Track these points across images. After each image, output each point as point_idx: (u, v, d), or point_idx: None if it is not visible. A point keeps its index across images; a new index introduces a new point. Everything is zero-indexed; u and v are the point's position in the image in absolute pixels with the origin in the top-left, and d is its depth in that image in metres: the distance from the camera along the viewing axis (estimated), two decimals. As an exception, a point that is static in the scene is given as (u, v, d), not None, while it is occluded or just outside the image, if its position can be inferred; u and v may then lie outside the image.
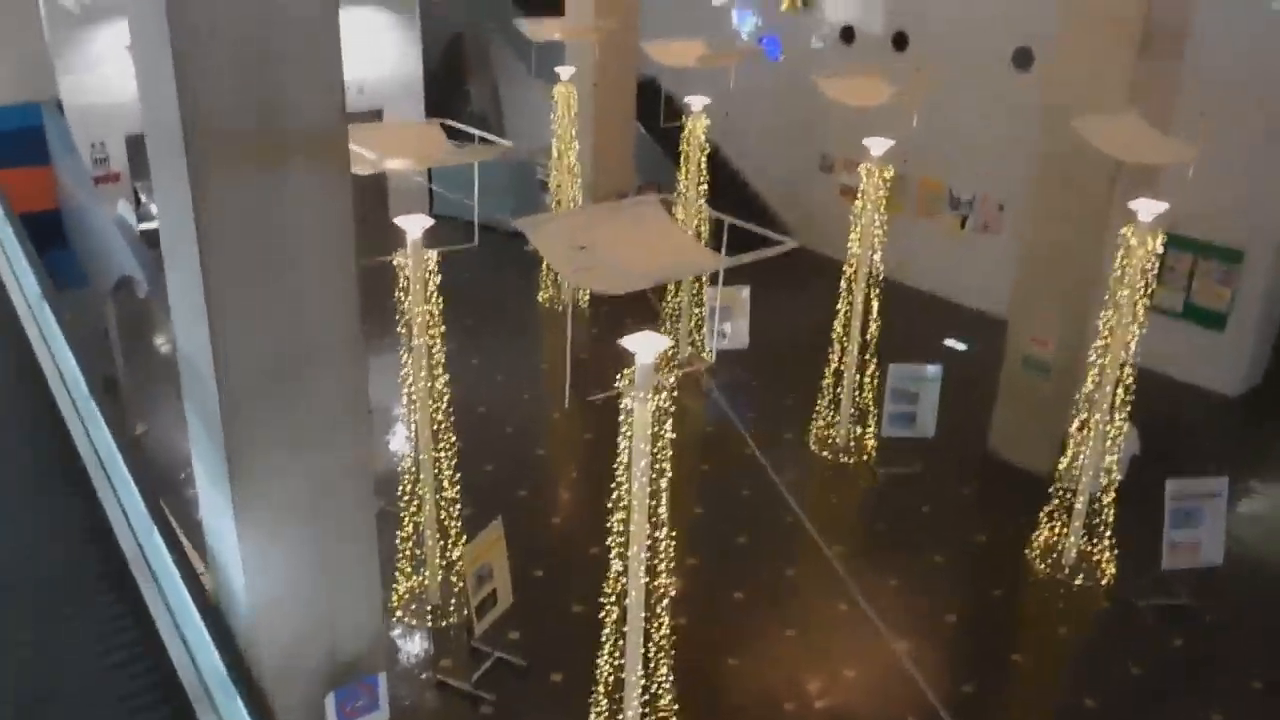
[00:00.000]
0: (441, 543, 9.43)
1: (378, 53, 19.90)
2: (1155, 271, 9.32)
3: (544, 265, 16.66)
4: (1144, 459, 11.75)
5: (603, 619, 7.17)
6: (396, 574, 9.49)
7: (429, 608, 9.43)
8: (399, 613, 9.43)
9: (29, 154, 12.47)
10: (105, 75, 16.56)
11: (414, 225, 8.28)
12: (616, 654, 7.07)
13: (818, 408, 12.71)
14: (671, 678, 7.40)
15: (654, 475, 6.57)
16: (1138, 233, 9.16)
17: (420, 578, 9.53)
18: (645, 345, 6.22)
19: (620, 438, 6.68)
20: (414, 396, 8.84)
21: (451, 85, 22.84)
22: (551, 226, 5.94)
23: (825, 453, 12.62)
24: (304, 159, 5.72)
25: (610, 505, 6.92)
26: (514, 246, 16.06)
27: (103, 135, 16.94)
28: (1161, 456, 11.71)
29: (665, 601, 6.98)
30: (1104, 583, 10.35)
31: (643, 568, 6.75)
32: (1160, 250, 9.18)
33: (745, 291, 13.76)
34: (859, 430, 12.57)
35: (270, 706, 6.72)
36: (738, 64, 14.51)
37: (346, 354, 6.25)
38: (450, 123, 8.72)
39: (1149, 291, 9.39)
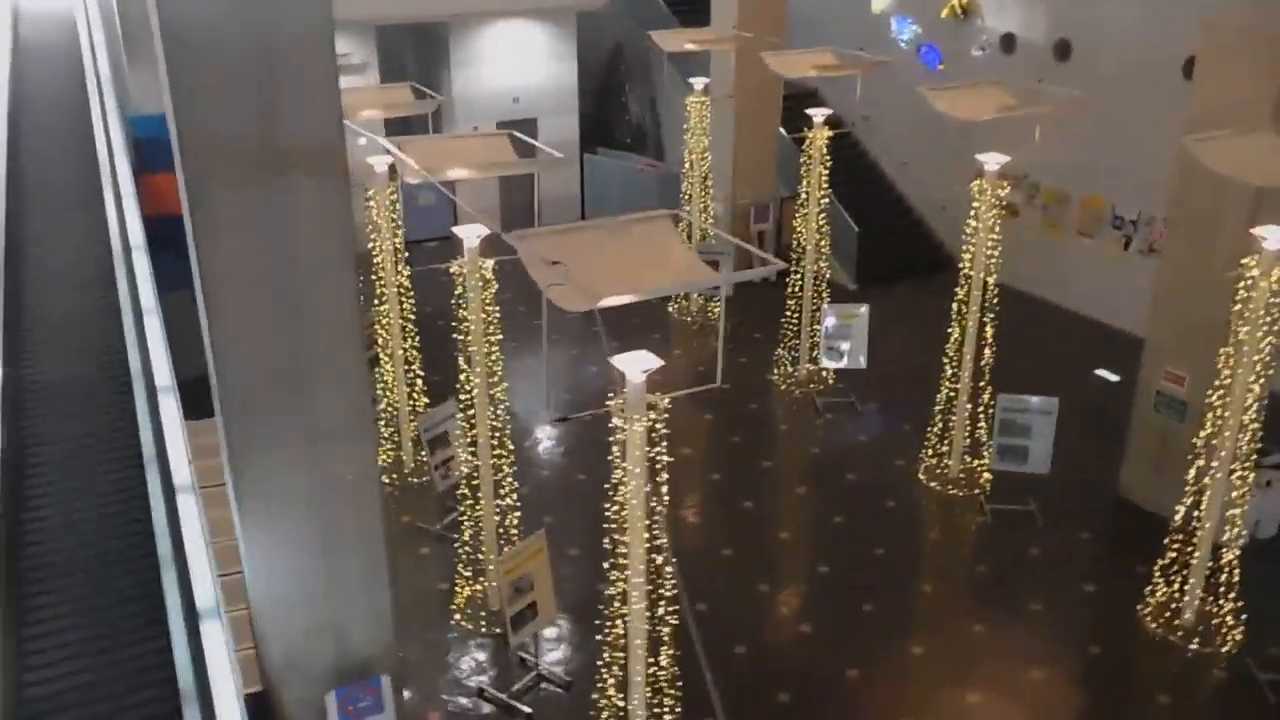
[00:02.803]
0: (503, 550, 9.44)
1: (534, 64, 20.31)
2: (1281, 305, 8.28)
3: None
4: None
5: (602, 644, 6.96)
6: (457, 579, 9.58)
7: (482, 614, 9.46)
8: (456, 616, 9.51)
9: (172, 159, 13.34)
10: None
11: (470, 234, 8.32)
12: (616, 683, 6.84)
13: (928, 436, 12.02)
14: (679, 709, 7.09)
15: (651, 498, 6.28)
16: (1263, 262, 8.17)
17: (480, 584, 9.57)
18: (634, 364, 5.96)
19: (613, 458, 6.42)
20: (473, 404, 8.88)
21: (611, 95, 23.05)
22: (544, 241, 5.79)
23: (934, 484, 11.90)
24: (302, 173, 5.82)
25: (607, 525, 6.67)
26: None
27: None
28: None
29: (666, 630, 6.69)
30: (1224, 649, 9.28)
31: (637, 593, 6.48)
32: (1288, 282, 8.15)
33: (863, 310, 13.19)
34: (973, 462, 11.80)
35: (278, 700, 6.89)
36: (866, 75, 13.85)
37: (349, 361, 6.33)
38: (518, 135, 8.69)
39: (1276, 328, 8.36)
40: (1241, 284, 8.34)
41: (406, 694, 8.75)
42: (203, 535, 6.95)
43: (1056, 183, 16.72)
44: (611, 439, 6.23)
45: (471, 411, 8.88)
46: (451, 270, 8.48)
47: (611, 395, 6.15)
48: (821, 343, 13.40)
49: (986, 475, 11.62)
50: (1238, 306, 8.42)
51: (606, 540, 6.51)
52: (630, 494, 6.20)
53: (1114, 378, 14.44)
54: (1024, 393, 11.10)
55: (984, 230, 10.84)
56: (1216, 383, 8.73)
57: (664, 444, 6.20)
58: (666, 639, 6.79)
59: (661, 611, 6.64)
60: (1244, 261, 8.28)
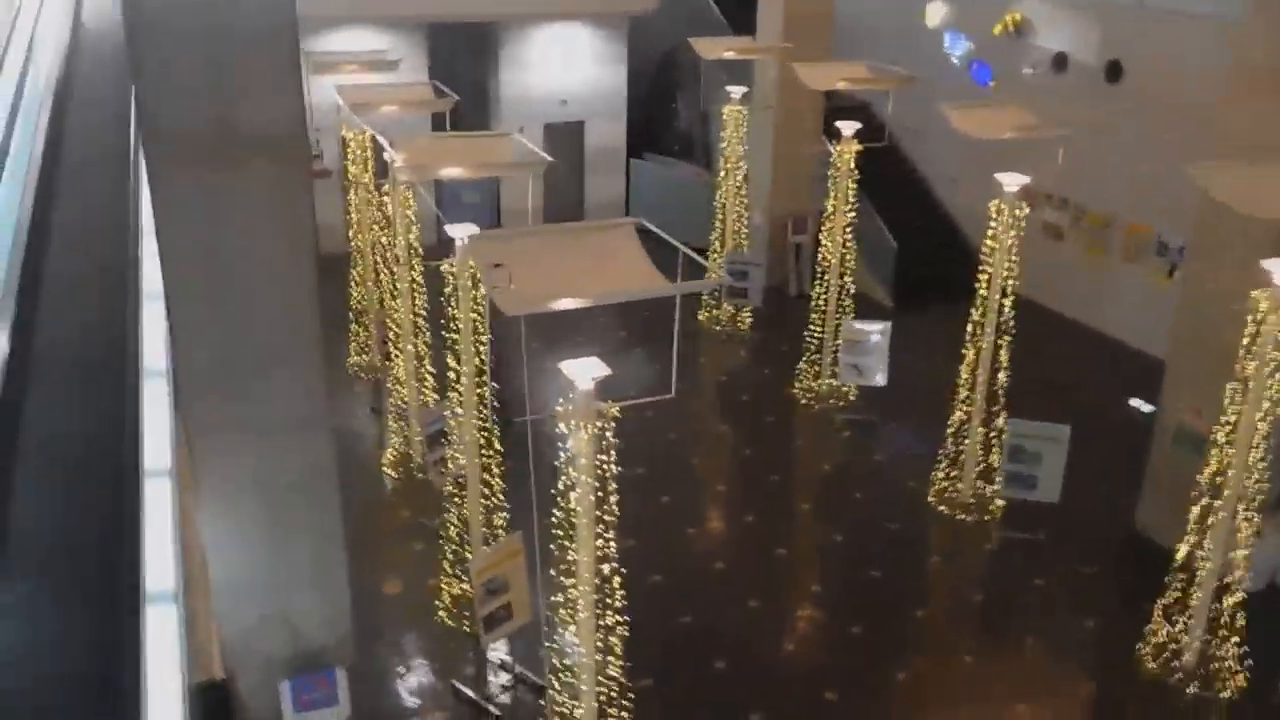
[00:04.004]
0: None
1: (583, 67, 20.36)
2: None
3: (705, 284, 16.47)
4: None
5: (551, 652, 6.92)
6: (443, 577, 9.60)
7: (466, 614, 9.46)
8: (441, 614, 9.54)
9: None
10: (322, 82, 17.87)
11: (461, 232, 8.34)
12: (569, 692, 6.79)
13: (939, 459, 11.77)
14: (629, 722, 7.02)
15: (598, 506, 6.22)
16: (1271, 297, 7.85)
17: (466, 584, 9.58)
18: (583, 371, 5.91)
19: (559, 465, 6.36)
20: (461, 403, 8.90)
21: (662, 101, 23.02)
22: (502, 244, 5.79)
23: (943, 508, 11.64)
24: (262, 164, 5.90)
25: (557, 533, 6.61)
26: (690, 263, 16.21)
27: (315, 135, 18.27)
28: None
29: (613, 639, 6.62)
30: (1223, 695, 8.92)
31: (584, 603, 6.43)
32: (1298, 317, 7.83)
33: (884, 327, 12.97)
34: (985, 488, 11.52)
35: (234, 686, 6.98)
36: (898, 89, 13.66)
37: (305, 352, 6.39)
38: (519, 138, 8.71)
39: (1285, 365, 8.02)
40: (1250, 318, 8.03)
41: (381, 688, 8.82)
42: (171, 518, 7.05)
43: (1103, 207, 16.30)
44: (562, 445, 6.19)
45: (459, 410, 8.91)
46: (443, 269, 8.52)
47: (562, 401, 6.12)
48: (841, 359, 13.22)
49: (999, 502, 11.35)
50: (1245, 341, 8.10)
51: (554, 547, 6.49)
52: (576, 502, 6.16)
53: (1148, 409, 13.99)
54: (1051, 419, 10.82)
55: (1001, 251, 10.59)
56: (1223, 419, 8.43)
57: (613, 453, 6.13)
58: (617, 650, 6.72)
59: (610, 621, 6.58)
60: (1252, 294, 7.97)
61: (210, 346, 6.11)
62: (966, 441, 11.46)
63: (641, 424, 13.37)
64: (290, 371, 6.27)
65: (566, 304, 5.50)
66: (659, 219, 19.36)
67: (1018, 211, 10.43)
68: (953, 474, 11.68)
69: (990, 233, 10.67)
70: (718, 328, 16.51)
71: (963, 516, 11.47)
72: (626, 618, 6.67)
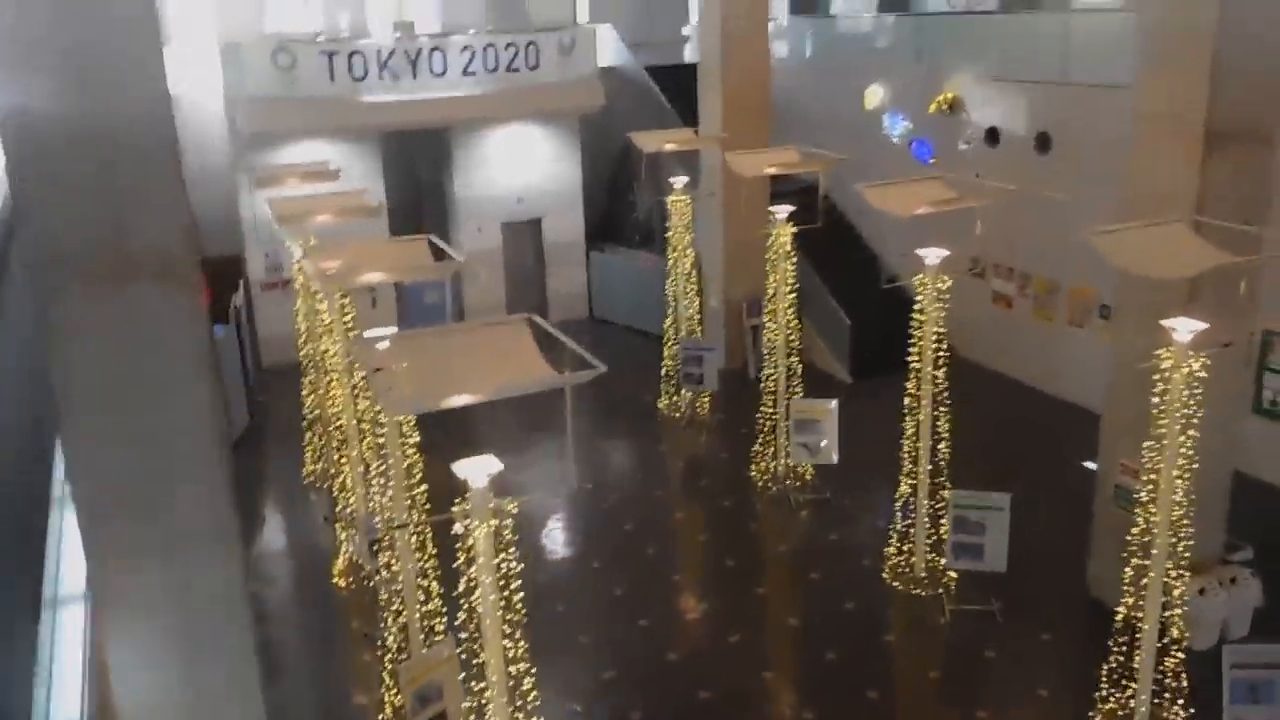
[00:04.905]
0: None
1: (537, 165, 20.80)
2: (1199, 397, 8.04)
3: (664, 371, 16.63)
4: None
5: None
6: (384, 689, 9.49)
7: (408, 722, 9.34)
8: (383, 724, 9.42)
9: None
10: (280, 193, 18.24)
11: (380, 334, 8.45)
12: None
13: (890, 534, 11.76)
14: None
15: (501, 605, 6.22)
16: (1174, 354, 7.97)
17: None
18: (478, 470, 5.97)
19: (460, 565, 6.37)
20: (390, 506, 8.92)
21: (621, 194, 23.44)
22: (395, 347, 5.90)
23: (897, 583, 11.59)
24: (149, 284, 6.00)
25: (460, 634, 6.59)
26: (657, 350, 16.23)
27: (273, 246, 18.58)
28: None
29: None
30: (1175, 762, 8.81)
31: (495, 706, 6.38)
32: (1203, 374, 7.93)
33: (832, 404, 13.05)
34: (938, 561, 11.49)
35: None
36: (830, 170, 14.01)
37: (207, 471, 6.42)
38: (434, 239, 8.90)
39: (1194, 421, 8.10)
40: (1156, 377, 8.14)
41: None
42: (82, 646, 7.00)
43: (1048, 274, 16.57)
44: (458, 545, 6.21)
45: (389, 515, 8.92)
46: (364, 375, 8.61)
47: (458, 501, 6.16)
48: (792, 439, 13.26)
49: (951, 574, 11.30)
50: (1156, 400, 8.20)
51: (461, 652, 6.46)
52: (478, 603, 6.16)
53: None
54: (1007, 485, 10.84)
55: (929, 324, 10.74)
56: (1143, 478, 8.48)
57: (513, 549, 6.16)
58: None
59: (523, 722, 6.52)
60: (1157, 353, 8.09)
61: (106, 467, 6.14)
62: (914, 514, 11.47)
63: (600, 515, 13.36)
64: (193, 490, 6.29)
65: (455, 402, 5.58)
66: (622, 309, 20.11)
67: (940, 284, 10.61)
68: (905, 548, 11.66)
69: (916, 306, 10.83)
70: (676, 415, 16.59)
71: (917, 591, 11.42)
72: (539, 718, 6.62)
